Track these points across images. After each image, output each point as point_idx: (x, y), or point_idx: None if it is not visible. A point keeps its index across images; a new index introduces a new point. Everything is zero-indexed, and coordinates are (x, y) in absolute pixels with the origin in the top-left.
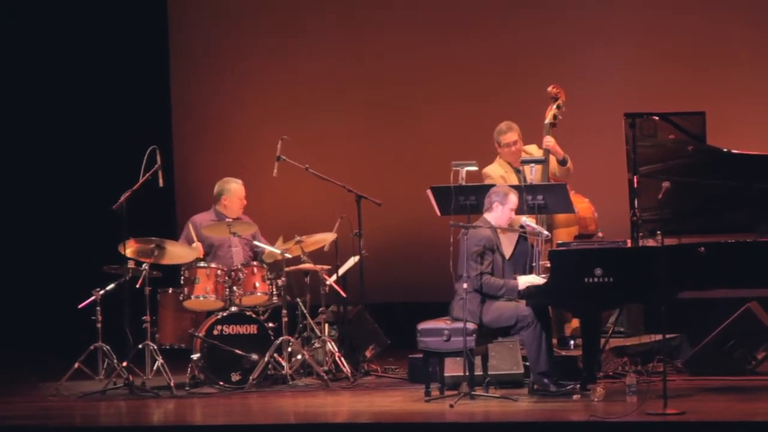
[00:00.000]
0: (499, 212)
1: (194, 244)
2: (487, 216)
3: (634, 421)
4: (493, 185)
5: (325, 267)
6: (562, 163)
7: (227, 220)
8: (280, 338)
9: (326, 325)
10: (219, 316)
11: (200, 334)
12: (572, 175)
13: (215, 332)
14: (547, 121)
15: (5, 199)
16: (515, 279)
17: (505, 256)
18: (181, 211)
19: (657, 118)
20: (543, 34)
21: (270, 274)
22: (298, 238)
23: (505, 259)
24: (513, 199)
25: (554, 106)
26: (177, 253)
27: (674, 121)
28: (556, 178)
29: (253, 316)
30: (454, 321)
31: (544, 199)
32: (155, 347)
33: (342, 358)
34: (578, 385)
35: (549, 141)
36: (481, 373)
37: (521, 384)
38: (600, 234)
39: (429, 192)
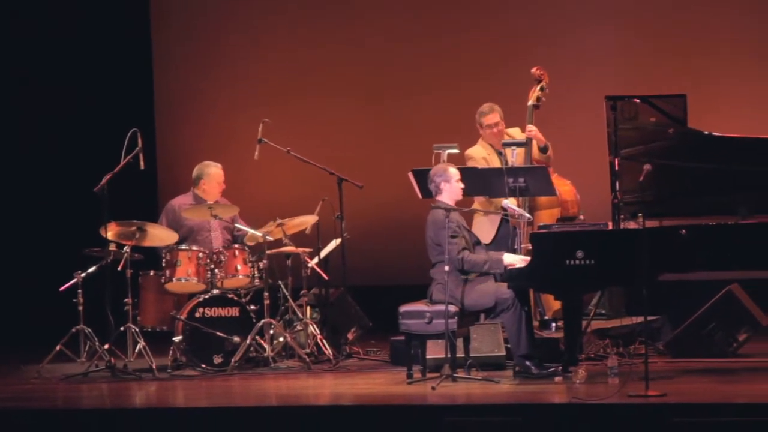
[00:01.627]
0: (448, 189)
1: None
2: (441, 199)
3: (616, 403)
4: (475, 168)
5: (307, 250)
6: (543, 150)
7: (207, 202)
8: (262, 321)
9: (308, 308)
10: (201, 299)
11: (182, 317)
12: (554, 159)
13: (197, 315)
14: (530, 102)
15: None
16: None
17: (488, 239)
18: (162, 194)
19: (638, 100)
20: (526, 17)
21: (252, 257)
22: (279, 220)
23: (484, 243)
24: (452, 171)
25: (538, 88)
26: (158, 235)
27: (655, 103)
28: (537, 161)
29: (235, 298)
30: (434, 304)
31: (525, 181)
32: (137, 330)
33: (324, 341)
34: (560, 368)
35: (531, 129)
36: (462, 355)
37: (503, 366)
38: (581, 216)
39: (410, 175)
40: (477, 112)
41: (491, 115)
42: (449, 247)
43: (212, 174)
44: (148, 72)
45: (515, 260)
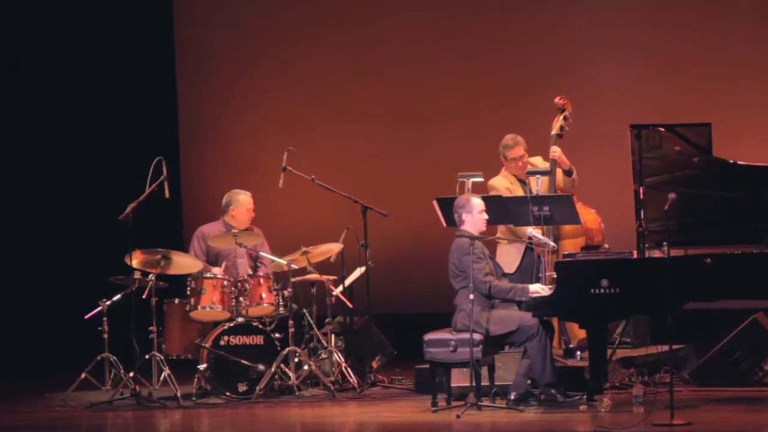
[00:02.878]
0: (470, 220)
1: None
2: (465, 228)
3: None
4: (499, 196)
5: (332, 278)
6: (567, 173)
7: (233, 230)
8: (287, 349)
9: (333, 336)
10: (225, 327)
11: (207, 345)
12: (578, 186)
13: (222, 343)
14: (553, 132)
15: (12, 208)
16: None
17: (513, 268)
18: (187, 222)
19: (663, 129)
20: (550, 46)
21: (276, 285)
22: (304, 248)
23: (507, 273)
24: (475, 202)
25: (561, 117)
26: (183, 263)
27: (680, 132)
28: (561, 189)
29: (260, 326)
30: (459, 333)
31: (550, 210)
32: (162, 358)
33: (348, 369)
34: (585, 396)
35: (555, 151)
36: (487, 383)
37: (528, 395)
38: (606, 245)
39: (435, 203)
40: (501, 145)
41: (516, 149)
42: (474, 271)
43: (241, 201)
44: (173, 100)
45: (541, 289)
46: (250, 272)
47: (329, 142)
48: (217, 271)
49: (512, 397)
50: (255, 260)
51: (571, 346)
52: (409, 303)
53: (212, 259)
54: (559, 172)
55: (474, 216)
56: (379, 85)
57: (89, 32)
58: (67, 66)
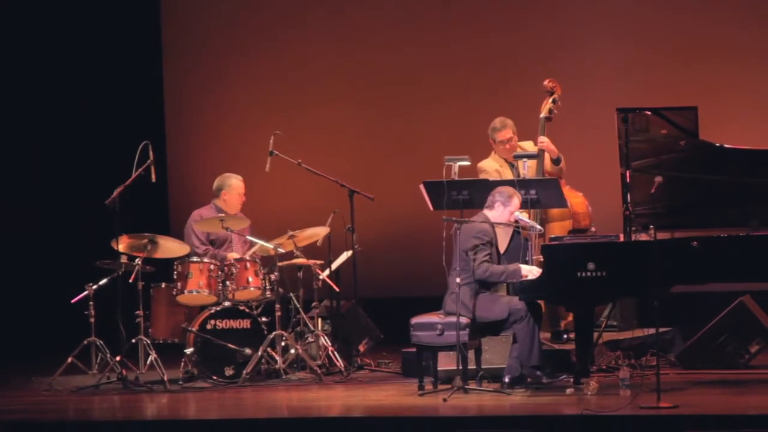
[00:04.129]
0: (500, 212)
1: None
2: (487, 213)
3: (628, 415)
4: (486, 180)
5: (318, 262)
6: (555, 162)
7: (220, 215)
8: (274, 333)
9: (319, 320)
10: (212, 311)
11: (193, 329)
12: (566, 171)
13: (208, 327)
14: (542, 115)
15: None
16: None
17: (500, 251)
18: (173, 206)
19: (649, 113)
20: (537, 29)
21: (263, 269)
22: (290, 232)
23: (500, 254)
24: (516, 202)
25: (550, 101)
26: (170, 247)
27: (666, 116)
28: (549, 173)
29: (246, 310)
30: (447, 315)
31: (536, 193)
32: (148, 342)
33: (335, 353)
34: (571, 379)
35: (543, 140)
36: (474, 366)
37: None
38: (593, 229)
39: (422, 187)
40: (490, 128)
41: (504, 131)
42: (474, 255)
43: (233, 186)
44: (158, 85)
45: (532, 270)
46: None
47: (316, 126)
48: (233, 256)
49: (506, 380)
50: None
51: (558, 329)
52: (395, 287)
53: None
54: (546, 159)
55: (505, 211)
56: (365, 69)
57: (75, 14)
58: (53, 49)
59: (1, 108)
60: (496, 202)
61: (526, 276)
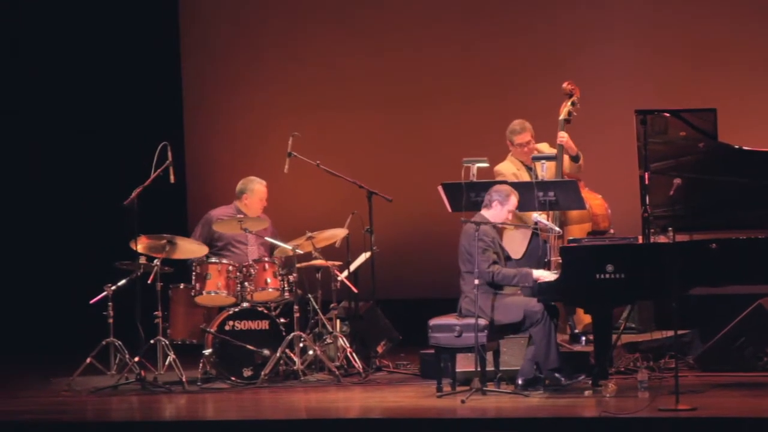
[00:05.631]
0: (498, 211)
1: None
2: (485, 213)
3: (646, 417)
4: (505, 182)
5: (337, 263)
6: (574, 159)
7: (239, 216)
8: (292, 334)
9: (338, 321)
10: (231, 312)
11: (212, 330)
12: (584, 172)
13: (227, 328)
14: (561, 117)
15: (18, 195)
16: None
17: (519, 253)
18: (192, 207)
19: (668, 114)
20: (556, 32)
21: (281, 270)
22: (309, 234)
23: (510, 259)
24: (514, 200)
25: (569, 103)
26: (188, 248)
27: (685, 117)
28: (567, 174)
29: (265, 311)
30: (464, 318)
31: (555, 195)
32: (167, 342)
33: (353, 354)
34: (590, 381)
35: (563, 136)
36: (492, 368)
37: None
38: (612, 231)
39: (440, 188)
40: (508, 130)
41: (523, 135)
42: (480, 260)
43: (256, 190)
44: (177, 86)
45: (545, 274)
46: (259, 258)
47: (335, 127)
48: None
49: (520, 383)
50: (268, 247)
51: (576, 331)
52: (413, 288)
53: (222, 244)
54: (565, 157)
55: (503, 210)
56: (383, 70)
57: (95, 16)
58: (72, 50)
59: (23, 107)
60: (494, 201)
61: (539, 279)
